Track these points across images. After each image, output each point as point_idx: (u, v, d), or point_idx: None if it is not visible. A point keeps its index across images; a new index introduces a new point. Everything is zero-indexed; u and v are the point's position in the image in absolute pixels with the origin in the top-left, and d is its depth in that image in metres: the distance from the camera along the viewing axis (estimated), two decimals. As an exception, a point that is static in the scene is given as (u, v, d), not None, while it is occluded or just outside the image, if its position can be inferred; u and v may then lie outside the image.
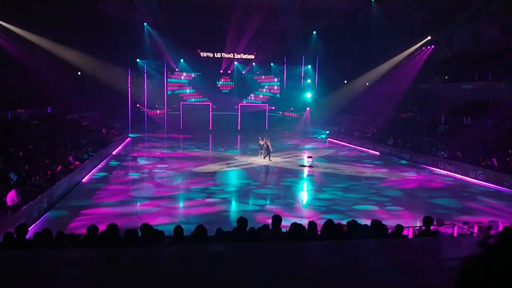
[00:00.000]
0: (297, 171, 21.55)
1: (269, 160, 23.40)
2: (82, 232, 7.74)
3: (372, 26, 32.23)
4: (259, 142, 24.44)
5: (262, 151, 24.08)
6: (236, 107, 43.22)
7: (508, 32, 27.44)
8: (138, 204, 14.78)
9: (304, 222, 7.26)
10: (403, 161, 25.10)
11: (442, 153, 23.55)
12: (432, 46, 33.76)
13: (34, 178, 13.81)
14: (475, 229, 9.44)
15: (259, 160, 23.81)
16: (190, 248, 5.15)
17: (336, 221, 7.07)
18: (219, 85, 44.87)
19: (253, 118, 41.39)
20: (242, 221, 6.67)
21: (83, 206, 13.91)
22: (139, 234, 6.82)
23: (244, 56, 42.24)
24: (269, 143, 23.40)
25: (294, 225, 6.47)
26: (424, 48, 34.51)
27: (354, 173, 20.95)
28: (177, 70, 42.62)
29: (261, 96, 46.31)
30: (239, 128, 41.54)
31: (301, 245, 5.18)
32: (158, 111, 42.12)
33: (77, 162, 18.09)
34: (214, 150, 28.21)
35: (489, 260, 0.92)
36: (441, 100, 32.14)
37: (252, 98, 46.00)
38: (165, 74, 41.12)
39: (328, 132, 39.46)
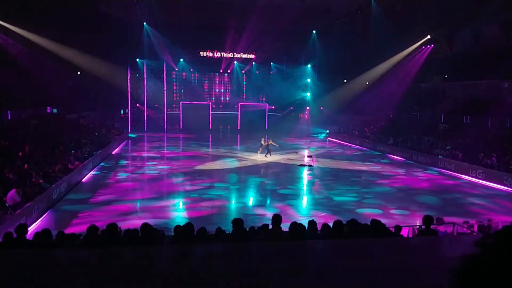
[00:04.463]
0: (297, 170, 21.53)
1: (266, 156, 24.47)
2: (82, 232, 7.73)
3: (372, 25, 32.21)
4: (262, 142, 25.20)
5: (261, 149, 25.06)
6: (236, 106, 43.22)
7: (508, 31, 27.41)
8: (138, 203, 14.78)
9: (304, 222, 7.26)
10: (403, 160, 25.11)
11: (442, 152, 23.55)
12: (432, 45, 33.74)
13: (34, 178, 13.80)
14: (475, 228, 9.44)
15: (260, 158, 24.34)
16: (189, 247, 5.15)
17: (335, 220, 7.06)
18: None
19: (253, 117, 41.39)
20: (237, 222, 6.63)
21: (83, 205, 13.91)
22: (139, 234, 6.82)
23: (244, 56, 42.19)
24: (271, 142, 24.80)
25: (294, 224, 6.45)
26: (424, 47, 34.48)
27: (353, 172, 20.95)
28: (176, 69, 42.62)
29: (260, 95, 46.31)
30: (239, 128, 41.56)
31: (301, 244, 5.18)
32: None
33: (77, 162, 18.08)
34: (215, 149, 28.22)
35: (487, 260, 0.91)
36: (441, 99, 32.14)
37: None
38: (164, 73, 41.11)
39: (328, 131, 39.51)
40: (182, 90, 44.40)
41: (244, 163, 23.06)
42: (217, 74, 44.19)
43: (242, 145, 30.64)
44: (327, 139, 37.30)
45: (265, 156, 24.47)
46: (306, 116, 43.43)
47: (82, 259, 3.45)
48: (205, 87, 45.03)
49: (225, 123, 41.70)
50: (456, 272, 0.93)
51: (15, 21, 27.03)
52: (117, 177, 18.75)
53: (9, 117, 22.90)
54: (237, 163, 23.21)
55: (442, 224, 8.53)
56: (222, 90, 45.50)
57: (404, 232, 8.58)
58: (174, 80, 43.50)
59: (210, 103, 43.02)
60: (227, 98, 45.21)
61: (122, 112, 40.93)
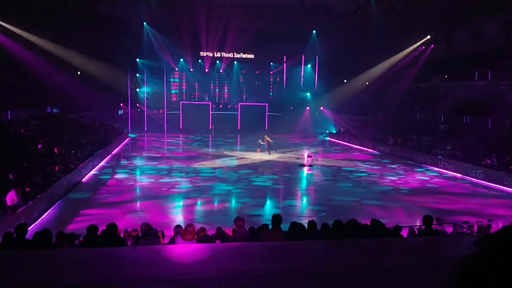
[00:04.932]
0: (297, 170, 21.54)
1: (270, 153, 25.50)
2: (82, 232, 7.73)
3: (372, 25, 32.23)
4: (260, 142, 25.97)
5: (259, 149, 25.93)
6: (236, 106, 43.21)
7: (508, 31, 27.41)
8: (138, 203, 14.79)
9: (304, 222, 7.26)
10: (403, 161, 25.11)
11: (442, 152, 23.56)
12: (432, 45, 33.75)
13: (34, 178, 13.80)
14: (475, 228, 9.43)
15: (258, 158, 24.85)
16: (189, 247, 5.15)
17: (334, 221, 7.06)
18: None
19: (253, 117, 41.37)
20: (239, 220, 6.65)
21: (82, 206, 13.91)
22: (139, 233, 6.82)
23: (244, 56, 42.18)
24: (269, 139, 25.76)
25: (294, 224, 6.46)
26: (423, 47, 34.49)
27: (354, 173, 20.96)
28: (176, 69, 42.62)
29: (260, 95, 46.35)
30: (239, 128, 41.57)
31: (301, 244, 5.18)
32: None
33: (77, 162, 18.08)
34: (215, 149, 28.23)
35: (487, 260, 0.91)
36: (441, 99, 32.14)
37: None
38: (164, 73, 41.12)
39: (328, 131, 39.52)
40: (184, 90, 44.43)
41: (244, 163, 23.08)
42: (217, 74, 44.17)
43: (242, 145, 30.67)
44: (327, 139, 37.30)
45: (269, 153, 25.44)
46: (306, 116, 43.42)
47: (82, 259, 3.45)
48: (205, 87, 45.07)
49: (225, 123, 41.67)
50: (456, 272, 0.93)
51: (15, 21, 27.02)
52: (117, 177, 18.75)
53: (9, 117, 22.90)
54: (237, 162, 23.23)
55: (442, 224, 8.53)
56: (222, 90, 45.48)
57: (404, 232, 8.58)
58: (172, 80, 43.51)
59: (209, 103, 43.02)
60: (227, 98, 45.21)
61: (121, 112, 40.90)
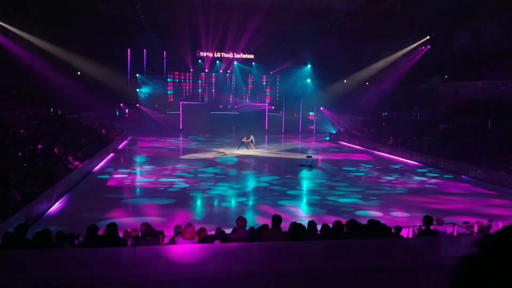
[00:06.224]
0: (297, 170, 21.54)
1: (247, 149, 27.41)
2: (81, 232, 7.73)
3: (371, 25, 32.26)
4: (244, 140, 27.81)
5: (252, 144, 27.89)
6: (236, 106, 43.18)
7: (508, 31, 27.41)
8: (138, 203, 14.78)
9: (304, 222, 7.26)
10: (403, 161, 25.13)
11: (442, 152, 23.55)
12: (432, 45, 33.77)
13: (34, 178, 13.79)
14: (475, 229, 9.42)
15: (252, 152, 26.74)
16: (189, 248, 5.16)
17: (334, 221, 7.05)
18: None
19: (253, 117, 41.33)
20: (241, 220, 6.65)
21: (82, 205, 13.91)
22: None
23: (244, 56, 42.19)
24: (253, 138, 27.70)
25: (294, 224, 6.45)
26: (423, 47, 34.51)
27: (353, 173, 20.96)
28: (176, 69, 42.64)
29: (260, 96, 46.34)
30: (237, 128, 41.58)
31: (300, 244, 5.19)
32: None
33: (77, 162, 18.07)
34: (216, 149, 28.27)
35: (486, 260, 0.91)
36: (440, 100, 32.13)
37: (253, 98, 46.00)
38: (164, 74, 41.13)
39: (327, 131, 39.54)
40: (183, 90, 44.47)
41: (243, 162, 23.10)
42: (216, 74, 44.18)
43: (242, 144, 30.70)
44: (327, 139, 37.29)
45: (247, 148, 27.28)
46: (306, 116, 43.40)
47: (82, 259, 3.45)
48: (205, 88, 45.10)
49: (225, 123, 41.64)
50: (455, 273, 0.93)
51: (15, 21, 27.02)
52: (116, 177, 18.74)
53: (9, 117, 22.87)
54: (237, 161, 23.26)
55: (442, 225, 8.52)
56: (221, 90, 45.51)
57: (404, 232, 8.58)
58: (172, 80, 43.52)
59: (208, 103, 43.05)
60: (227, 99, 45.23)
61: (126, 111, 40.90)
